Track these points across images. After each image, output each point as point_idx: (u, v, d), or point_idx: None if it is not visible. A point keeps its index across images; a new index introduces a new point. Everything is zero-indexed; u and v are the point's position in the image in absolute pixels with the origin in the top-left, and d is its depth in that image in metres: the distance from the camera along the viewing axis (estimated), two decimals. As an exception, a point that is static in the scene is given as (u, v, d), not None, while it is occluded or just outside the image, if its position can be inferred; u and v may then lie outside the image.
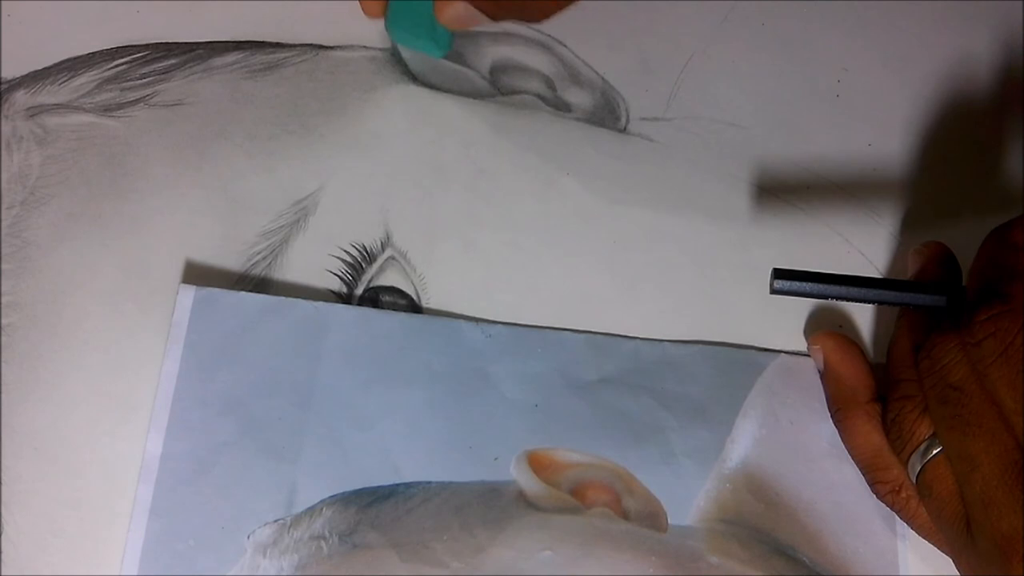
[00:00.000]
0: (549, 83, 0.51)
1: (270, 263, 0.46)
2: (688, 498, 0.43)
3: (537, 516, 0.42)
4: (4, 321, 0.44)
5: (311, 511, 0.42)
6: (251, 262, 0.46)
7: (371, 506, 0.42)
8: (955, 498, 0.38)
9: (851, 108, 0.51)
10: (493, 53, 0.51)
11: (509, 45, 0.51)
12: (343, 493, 0.42)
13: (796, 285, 0.41)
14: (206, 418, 0.43)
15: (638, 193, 0.49)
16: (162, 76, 0.49)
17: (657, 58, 0.51)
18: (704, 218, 0.49)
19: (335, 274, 0.46)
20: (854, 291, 0.41)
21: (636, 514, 0.43)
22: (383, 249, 0.47)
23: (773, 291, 0.41)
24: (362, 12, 0.45)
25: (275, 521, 0.42)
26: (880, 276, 0.48)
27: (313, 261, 0.46)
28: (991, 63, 0.52)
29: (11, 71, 0.49)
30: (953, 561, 0.40)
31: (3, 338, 0.44)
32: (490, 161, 0.49)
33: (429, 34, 0.45)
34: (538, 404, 0.44)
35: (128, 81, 0.49)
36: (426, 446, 0.43)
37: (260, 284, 0.46)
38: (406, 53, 0.50)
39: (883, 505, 0.42)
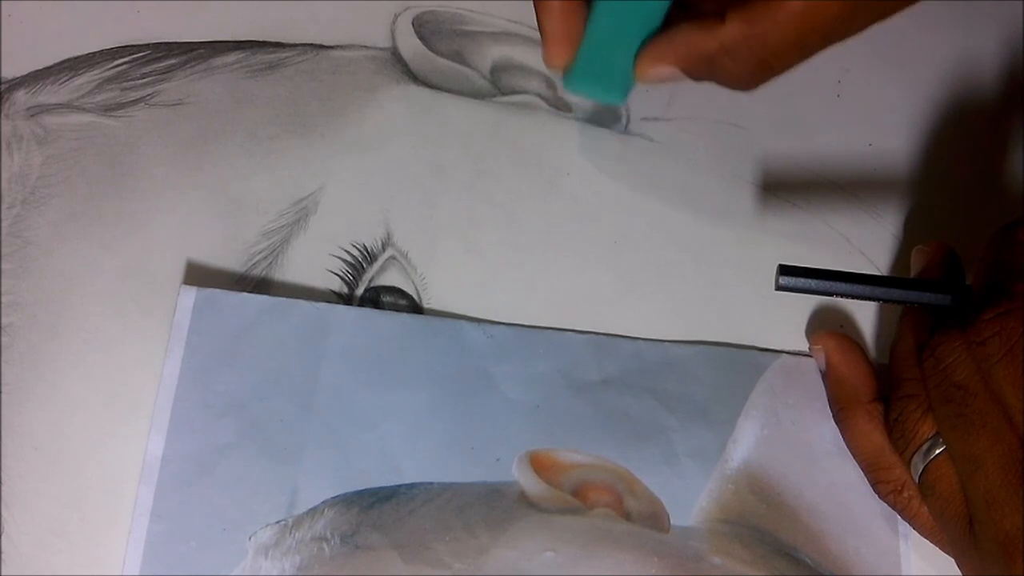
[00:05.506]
0: (550, 83, 0.50)
1: (271, 263, 0.46)
2: (690, 499, 0.43)
3: (539, 517, 0.42)
4: (4, 321, 0.44)
5: (313, 512, 0.42)
6: (252, 262, 0.46)
7: (373, 507, 0.42)
8: (958, 497, 0.38)
9: (851, 108, 0.51)
10: (494, 53, 0.51)
11: (510, 45, 0.51)
12: (345, 494, 0.42)
13: (801, 282, 0.41)
14: (207, 419, 0.43)
15: (639, 193, 0.49)
16: (162, 76, 0.49)
17: (658, 58, 0.51)
18: (705, 218, 0.49)
19: (336, 274, 0.46)
20: (859, 288, 0.41)
21: (638, 515, 0.43)
22: (384, 249, 0.47)
23: (778, 287, 0.41)
24: (544, 61, 0.44)
25: (277, 522, 0.41)
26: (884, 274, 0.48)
27: (314, 261, 0.46)
28: (992, 63, 0.52)
29: (11, 71, 0.49)
30: (955, 561, 0.40)
31: (3, 338, 0.44)
32: (491, 161, 0.49)
33: (619, 85, 0.44)
34: (540, 405, 0.44)
35: (128, 81, 0.49)
36: (428, 447, 0.43)
37: (261, 284, 0.46)
38: (588, 115, 0.50)
39: (885, 505, 0.42)
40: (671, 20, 0.42)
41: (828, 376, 0.45)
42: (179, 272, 0.46)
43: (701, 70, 0.41)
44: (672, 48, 0.41)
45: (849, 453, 0.43)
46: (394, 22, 0.51)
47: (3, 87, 0.48)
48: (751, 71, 0.40)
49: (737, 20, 0.39)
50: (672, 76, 0.42)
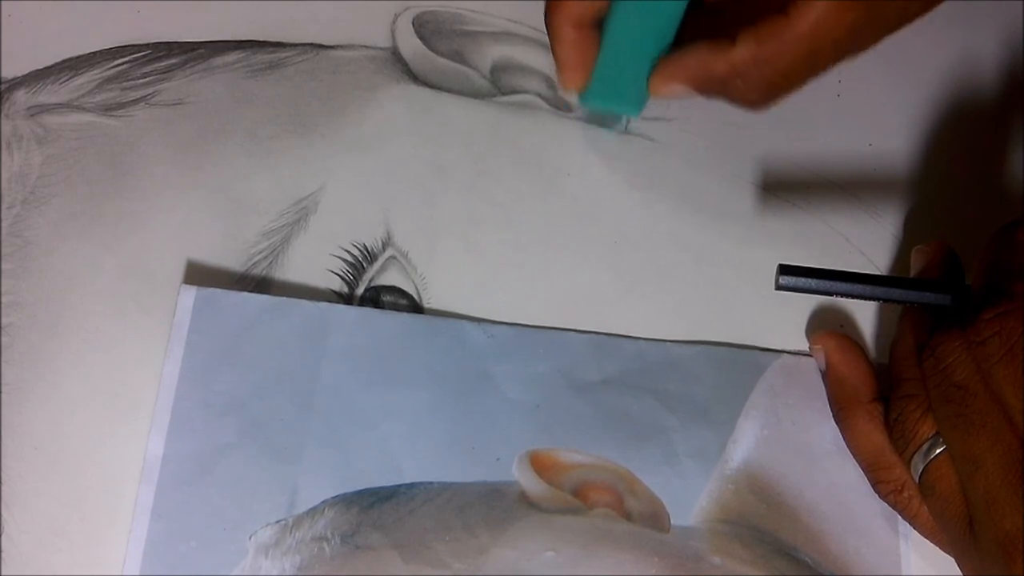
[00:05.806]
0: (550, 83, 0.50)
1: (271, 263, 0.46)
2: (690, 499, 0.43)
3: (539, 517, 0.42)
4: (4, 321, 0.44)
5: (313, 512, 0.42)
6: (252, 261, 0.46)
7: (373, 507, 0.42)
8: (958, 497, 0.38)
9: (851, 108, 0.51)
10: (494, 53, 0.51)
11: (510, 45, 0.51)
12: (345, 494, 0.42)
13: (801, 281, 0.41)
14: (207, 419, 0.43)
15: (639, 193, 0.49)
16: (163, 75, 0.49)
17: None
18: (705, 218, 0.49)
19: (336, 274, 0.46)
20: (859, 288, 0.41)
21: (638, 515, 0.43)
22: (384, 248, 0.47)
23: (778, 287, 0.41)
24: (560, 85, 0.46)
25: (277, 522, 0.41)
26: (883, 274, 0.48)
27: (314, 260, 0.46)
28: (992, 63, 0.52)
29: (12, 71, 0.49)
30: (955, 561, 0.40)
31: (3, 338, 0.44)
32: (491, 161, 0.49)
33: (634, 101, 0.45)
34: (540, 405, 0.44)
35: (129, 80, 0.49)
36: (428, 447, 0.43)
37: (261, 283, 0.46)
38: (590, 116, 0.50)
39: (885, 505, 0.42)
40: (685, 27, 0.42)
41: (828, 376, 0.45)
42: (179, 272, 0.46)
43: (712, 89, 0.42)
44: (684, 68, 0.42)
45: (849, 453, 0.43)
46: (394, 22, 0.51)
47: (3, 87, 0.48)
48: (762, 92, 0.41)
49: (747, 42, 0.39)
50: (684, 93, 0.43)
